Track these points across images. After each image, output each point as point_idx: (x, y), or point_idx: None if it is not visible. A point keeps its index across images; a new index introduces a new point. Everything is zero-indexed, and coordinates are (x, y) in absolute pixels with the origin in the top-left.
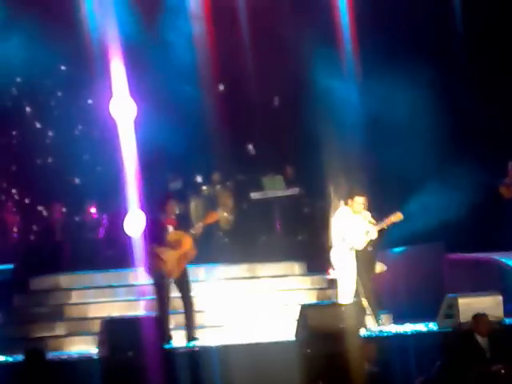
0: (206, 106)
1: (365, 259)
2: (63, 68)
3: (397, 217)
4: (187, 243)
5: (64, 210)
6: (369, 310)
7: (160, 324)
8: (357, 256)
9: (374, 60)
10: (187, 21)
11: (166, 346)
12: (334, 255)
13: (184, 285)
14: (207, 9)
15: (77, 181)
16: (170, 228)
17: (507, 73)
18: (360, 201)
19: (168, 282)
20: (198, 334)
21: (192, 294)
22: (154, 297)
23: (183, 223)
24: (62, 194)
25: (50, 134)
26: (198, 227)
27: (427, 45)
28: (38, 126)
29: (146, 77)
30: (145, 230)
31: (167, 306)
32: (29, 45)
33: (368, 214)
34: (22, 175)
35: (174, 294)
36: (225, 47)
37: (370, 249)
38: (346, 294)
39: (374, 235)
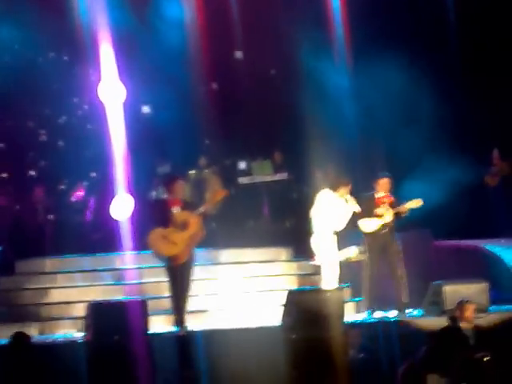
0: (194, 90)
1: (378, 243)
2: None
3: (416, 202)
4: (195, 224)
5: (44, 192)
6: (365, 294)
7: (145, 308)
8: (370, 239)
9: (365, 46)
10: (177, 4)
11: (179, 331)
12: (316, 241)
13: (188, 269)
14: None
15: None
16: (177, 209)
17: (498, 67)
18: (348, 187)
19: (180, 265)
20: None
21: (191, 282)
22: (168, 280)
23: (190, 203)
24: (49, 176)
25: (38, 116)
26: (205, 206)
27: (420, 32)
28: (27, 108)
29: (135, 60)
30: (150, 212)
31: (181, 289)
32: (17, 27)
33: (352, 199)
34: (9, 158)
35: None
36: (215, 31)
37: (384, 231)
38: (329, 279)
39: (388, 219)
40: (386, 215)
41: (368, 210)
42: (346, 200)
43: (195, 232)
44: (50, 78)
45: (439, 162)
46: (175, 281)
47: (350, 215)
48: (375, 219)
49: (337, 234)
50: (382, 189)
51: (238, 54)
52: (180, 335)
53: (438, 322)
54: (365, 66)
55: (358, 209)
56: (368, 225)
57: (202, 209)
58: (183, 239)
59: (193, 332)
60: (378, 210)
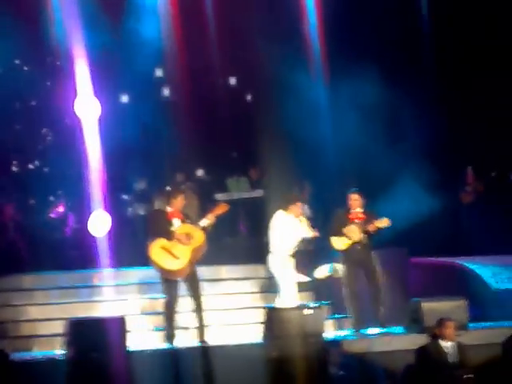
0: (170, 106)
1: (353, 258)
2: (26, 68)
3: (385, 222)
4: (199, 237)
5: (15, 210)
6: (349, 312)
7: (124, 325)
8: (344, 255)
9: (341, 60)
10: (152, 19)
11: (170, 347)
12: (272, 260)
13: (194, 283)
14: (174, 6)
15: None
16: (177, 221)
17: (476, 83)
18: (299, 205)
19: (178, 280)
20: (160, 336)
21: (201, 293)
22: (163, 294)
23: (189, 217)
24: (23, 192)
25: (14, 133)
26: (208, 219)
27: (393, 41)
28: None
29: (111, 76)
30: (148, 224)
31: (176, 304)
32: None
33: (305, 220)
34: None
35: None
36: (191, 47)
37: (357, 247)
38: (286, 298)
39: (357, 237)
40: (355, 234)
41: (340, 226)
42: (300, 220)
43: (199, 246)
44: (26, 92)
45: (415, 179)
46: (170, 295)
47: (301, 236)
48: (344, 237)
49: (293, 255)
50: (355, 205)
51: (232, 81)
52: (160, 352)
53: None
54: (341, 80)
55: (309, 233)
56: (337, 243)
57: (204, 222)
58: (186, 253)
59: (172, 349)
60: (347, 229)
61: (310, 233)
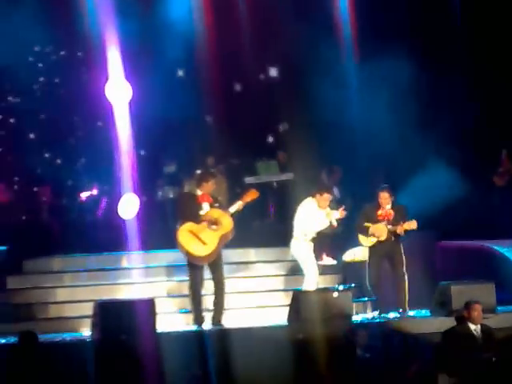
0: (201, 90)
1: (380, 248)
2: (62, 52)
3: (412, 224)
4: (227, 223)
5: (52, 192)
6: (372, 296)
7: (153, 307)
8: (370, 251)
9: (373, 41)
10: (183, 3)
11: (197, 329)
12: (295, 245)
13: (218, 267)
14: None
15: (71, 163)
16: (206, 205)
17: (503, 63)
18: (327, 197)
19: (205, 263)
20: (188, 318)
21: (225, 276)
22: (188, 277)
23: (219, 201)
24: (58, 175)
25: (46, 116)
26: (237, 206)
27: (427, 21)
28: (35, 108)
29: (143, 60)
30: (177, 206)
31: (201, 287)
32: (26, 25)
33: (331, 212)
34: (16, 156)
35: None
36: (222, 30)
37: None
38: (310, 283)
39: (383, 237)
40: (382, 234)
41: (368, 222)
42: (327, 213)
43: (227, 232)
44: (59, 77)
45: (447, 161)
46: (195, 279)
47: (324, 226)
48: (371, 237)
49: (313, 240)
50: (384, 203)
51: (272, 72)
52: (188, 334)
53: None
54: (372, 63)
55: (334, 224)
56: (364, 240)
57: (233, 208)
58: (214, 239)
59: (201, 331)
60: (374, 228)
61: (335, 222)
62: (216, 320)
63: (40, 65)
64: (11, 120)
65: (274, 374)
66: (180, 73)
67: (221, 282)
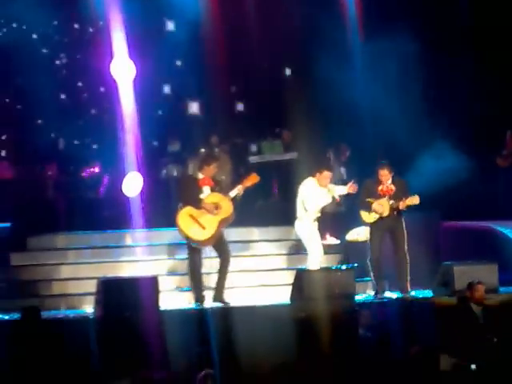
0: (206, 69)
1: (382, 225)
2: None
3: (414, 200)
4: (227, 208)
5: (57, 169)
6: (371, 276)
7: (156, 285)
8: (372, 227)
9: (379, 23)
10: None
11: (199, 307)
12: (299, 225)
13: (223, 247)
14: None
15: (76, 141)
16: (207, 189)
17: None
18: (327, 175)
19: (205, 247)
20: (191, 296)
21: (229, 254)
22: (187, 257)
23: (220, 184)
24: (62, 153)
25: (50, 95)
26: (238, 190)
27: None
28: (39, 87)
29: (146, 39)
30: (178, 189)
31: (199, 267)
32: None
33: (334, 188)
34: (21, 134)
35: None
36: (227, 10)
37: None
38: (313, 262)
39: (386, 213)
40: (384, 210)
41: (369, 197)
42: (328, 190)
43: (226, 216)
44: (64, 57)
45: (451, 142)
46: (193, 260)
47: (327, 202)
48: (372, 213)
49: (317, 219)
50: (384, 180)
51: (267, 45)
52: (191, 312)
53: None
54: (378, 44)
55: (337, 197)
56: (366, 216)
57: (234, 192)
58: (213, 223)
59: (203, 309)
60: (376, 204)
61: (337, 196)
62: (217, 298)
63: (44, 50)
64: (17, 101)
65: (276, 353)
66: (181, 61)
67: (226, 261)
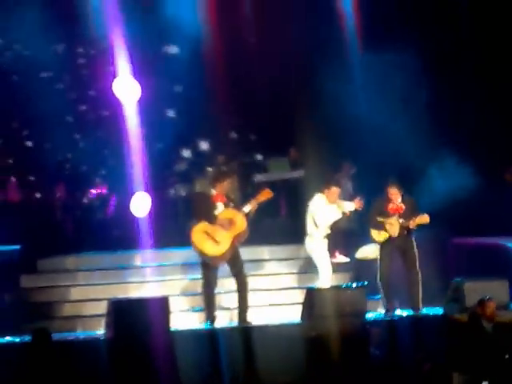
0: (210, 87)
1: (392, 243)
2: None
3: (424, 219)
4: (241, 223)
5: (65, 191)
6: (382, 294)
7: (167, 305)
8: (382, 246)
9: (381, 38)
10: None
11: (210, 327)
12: (309, 242)
13: (237, 264)
14: None
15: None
16: (221, 205)
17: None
18: (335, 191)
19: (219, 264)
20: (201, 316)
21: (245, 273)
22: (201, 277)
23: (233, 201)
24: (70, 175)
25: (56, 115)
26: (251, 205)
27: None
28: (45, 107)
29: (150, 58)
30: (192, 205)
31: (214, 286)
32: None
33: (343, 203)
34: (28, 155)
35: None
36: (227, 27)
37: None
38: (324, 279)
39: (395, 233)
40: (394, 229)
41: (379, 216)
42: (338, 205)
43: (240, 232)
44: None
45: (459, 157)
46: (208, 279)
47: (337, 218)
48: (383, 232)
49: (327, 236)
50: (394, 198)
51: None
52: (201, 333)
53: None
54: (378, 55)
55: (347, 212)
56: (376, 235)
57: (247, 208)
58: (227, 239)
59: (214, 329)
60: (386, 223)
61: (347, 211)
62: (242, 318)
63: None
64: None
65: (287, 372)
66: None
67: (242, 280)
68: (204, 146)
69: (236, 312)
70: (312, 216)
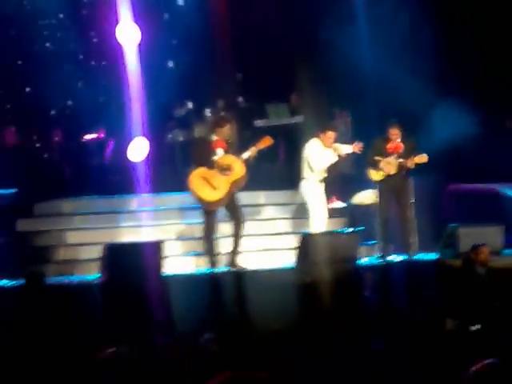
0: (211, 32)
1: (390, 186)
2: None
3: (423, 158)
4: (240, 169)
5: (62, 135)
6: (377, 237)
7: (161, 250)
8: (381, 183)
9: None
10: None
11: (203, 271)
12: (304, 186)
13: (234, 209)
14: None
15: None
16: (220, 151)
17: None
18: (331, 135)
19: (216, 209)
20: (197, 260)
21: (243, 218)
22: (202, 222)
23: (233, 146)
24: (68, 120)
25: (57, 59)
26: (251, 152)
27: None
28: (46, 51)
29: (151, 5)
30: (191, 151)
31: (214, 232)
32: None
33: (340, 147)
34: (26, 99)
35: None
36: None
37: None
38: (317, 223)
39: (393, 171)
40: (392, 168)
41: (377, 156)
42: (334, 149)
43: (238, 178)
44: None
45: (457, 103)
46: (209, 224)
47: (333, 161)
48: (380, 171)
49: (323, 180)
50: (394, 137)
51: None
52: (195, 277)
53: None
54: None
55: (342, 154)
56: (374, 174)
57: (247, 154)
58: (225, 184)
59: (207, 274)
60: (384, 162)
61: (344, 153)
62: (230, 263)
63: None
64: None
65: (280, 316)
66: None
67: (239, 225)
68: (204, 93)
69: (234, 256)
70: (307, 160)
